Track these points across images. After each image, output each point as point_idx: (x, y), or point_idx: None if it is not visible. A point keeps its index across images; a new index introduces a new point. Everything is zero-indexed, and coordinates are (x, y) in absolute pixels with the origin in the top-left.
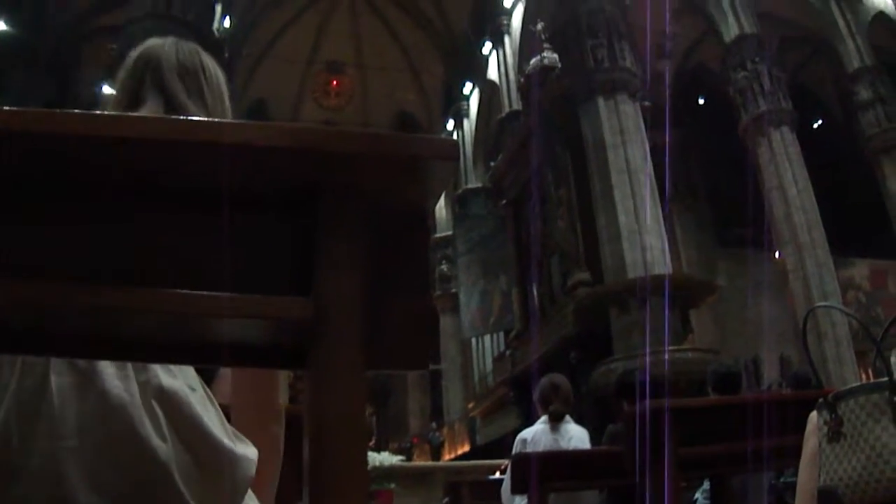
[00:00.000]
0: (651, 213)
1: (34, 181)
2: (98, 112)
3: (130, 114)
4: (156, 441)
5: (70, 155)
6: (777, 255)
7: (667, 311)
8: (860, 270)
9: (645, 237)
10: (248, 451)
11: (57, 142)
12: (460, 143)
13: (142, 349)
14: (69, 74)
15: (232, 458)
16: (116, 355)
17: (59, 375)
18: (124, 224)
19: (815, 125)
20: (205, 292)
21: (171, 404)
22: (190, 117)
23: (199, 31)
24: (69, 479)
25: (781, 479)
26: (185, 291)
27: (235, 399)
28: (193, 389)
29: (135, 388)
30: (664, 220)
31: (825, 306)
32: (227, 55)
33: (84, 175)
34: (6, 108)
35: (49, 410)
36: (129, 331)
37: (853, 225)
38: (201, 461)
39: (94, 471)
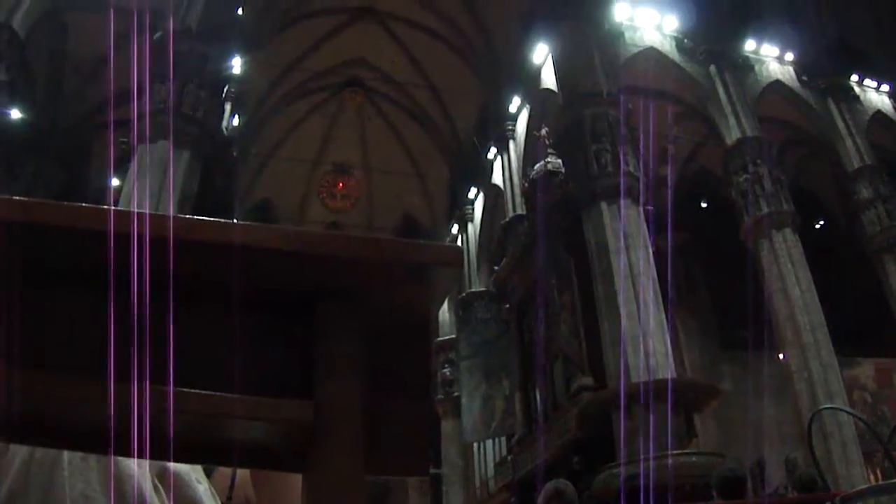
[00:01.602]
0: (654, 317)
1: (43, 273)
2: (104, 207)
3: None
4: None
5: (70, 247)
6: (781, 356)
7: (669, 416)
8: (865, 370)
9: (648, 341)
10: None
11: (63, 234)
12: (464, 246)
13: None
14: (79, 164)
15: None
16: (118, 450)
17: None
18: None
19: (817, 225)
20: (207, 392)
21: (175, 485)
22: (192, 216)
23: (209, 129)
24: None
25: None
26: (187, 390)
27: None
28: (200, 482)
29: (144, 462)
30: (667, 323)
31: (831, 408)
32: (234, 153)
33: (88, 268)
34: (15, 198)
35: (60, 481)
36: (129, 426)
37: (857, 324)
38: None
39: None
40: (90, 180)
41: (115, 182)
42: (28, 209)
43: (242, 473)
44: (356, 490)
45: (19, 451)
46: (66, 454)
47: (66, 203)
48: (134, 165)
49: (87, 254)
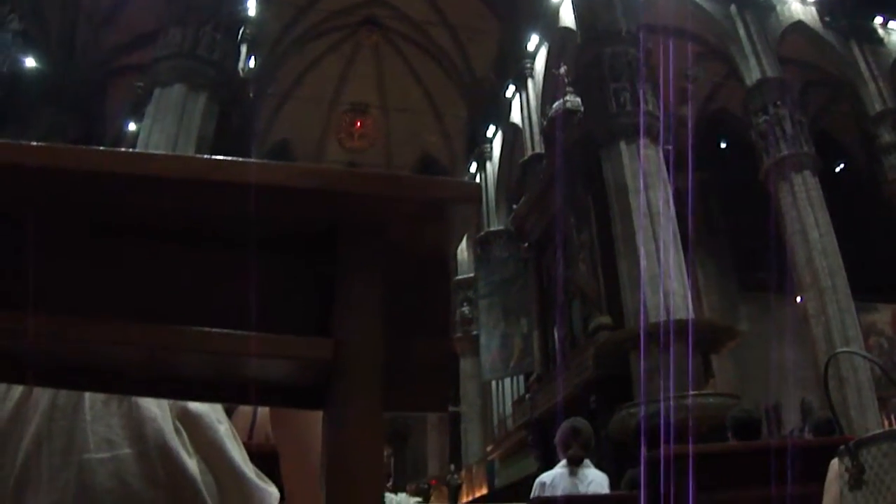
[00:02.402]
0: (673, 257)
1: (61, 219)
2: (120, 150)
3: (152, 152)
4: (184, 456)
5: (91, 192)
6: (799, 299)
7: (687, 356)
8: (882, 316)
9: (667, 281)
10: (270, 488)
11: (80, 178)
12: (483, 185)
13: (164, 385)
14: (95, 112)
15: (253, 488)
16: (138, 390)
17: (91, 391)
18: (145, 263)
19: (837, 169)
20: (228, 331)
21: (196, 426)
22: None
23: (225, 71)
24: (99, 490)
25: None
26: (207, 329)
27: (283, 462)
28: (220, 422)
29: (164, 403)
30: (686, 264)
31: (847, 352)
32: (251, 95)
33: (107, 213)
34: (33, 143)
35: (82, 425)
36: (151, 367)
37: (876, 270)
38: (222, 485)
39: (126, 481)
40: (106, 128)
41: (131, 127)
42: (52, 154)
43: (263, 412)
44: (376, 427)
45: (42, 398)
46: (87, 400)
47: (87, 147)
48: (150, 110)
49: (108, 198)
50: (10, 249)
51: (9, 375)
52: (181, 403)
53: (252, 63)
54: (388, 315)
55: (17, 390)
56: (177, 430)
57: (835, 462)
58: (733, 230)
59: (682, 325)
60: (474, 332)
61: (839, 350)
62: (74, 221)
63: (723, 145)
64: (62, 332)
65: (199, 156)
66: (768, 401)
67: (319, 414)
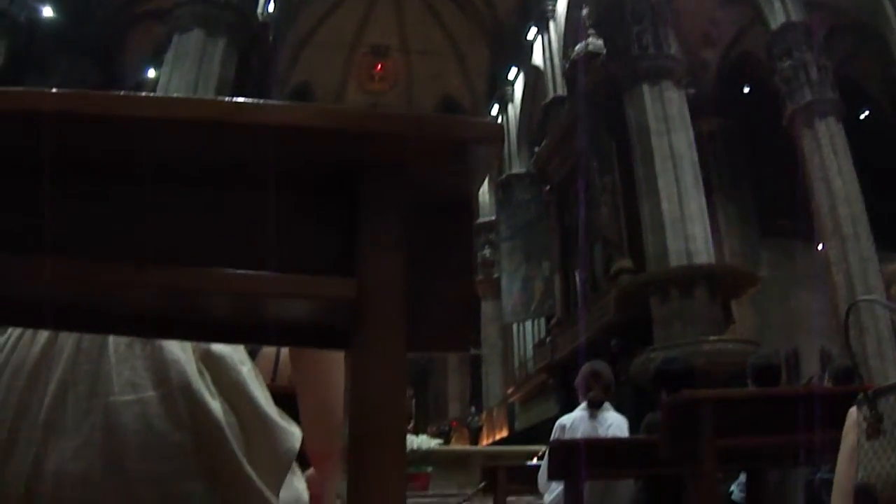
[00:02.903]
0: (695, 201)
1: (83, 163)
2: (142, 94)
3: (175, 96)
4: (208, 397)
5: (114, 136)
6: (820, 247)
7: (707, 302)
8: None
9: (688, 226)
10: (293, 428)
11: (100, 123)
12: (504, 128)
13: (188, 328)
14: (114, 59)
15: (276, 429)
16: (163, 333)
17: (115, 335)
18: (169, 205)
19: (862, 116)
20: (250, 272)
21: (219, 367)
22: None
23: (244, 15)
24: (124, 432)
25: (818, 475)
26: (231, 271)
27: (301, 401)
28: (243, 363)
29: (188, 345)
30: (707, 208)
31: (868, 300)
32: (271, 39)
33: (130, 157)
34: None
35: (107, 369)
36: (174, 310)
37: None
38: (246, 425)
39: (151, 423)
40: (125, 75)
41: (151, 74)
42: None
43: (285, 355)
44: (400, 366)
45: (67, 342)
46: (111, 344)
47: (106, 92)
48: (169, 56)
49: (130, 142)
50: (33, 196)
51: (34, 321)
52: (204, 345)
53: (271, 7)
54: (410, 255)
55: (43, 336)
56: (200, 372)
57: (853, 410)
58: (755, 176)
59: (701, 270)
60: (496, 275)
61: (860, 298)
62: (96, 168)
63: (746, 90)
64: (85, 277)
65: (221, 98)
66: (787, 348)
67: (337, 355)
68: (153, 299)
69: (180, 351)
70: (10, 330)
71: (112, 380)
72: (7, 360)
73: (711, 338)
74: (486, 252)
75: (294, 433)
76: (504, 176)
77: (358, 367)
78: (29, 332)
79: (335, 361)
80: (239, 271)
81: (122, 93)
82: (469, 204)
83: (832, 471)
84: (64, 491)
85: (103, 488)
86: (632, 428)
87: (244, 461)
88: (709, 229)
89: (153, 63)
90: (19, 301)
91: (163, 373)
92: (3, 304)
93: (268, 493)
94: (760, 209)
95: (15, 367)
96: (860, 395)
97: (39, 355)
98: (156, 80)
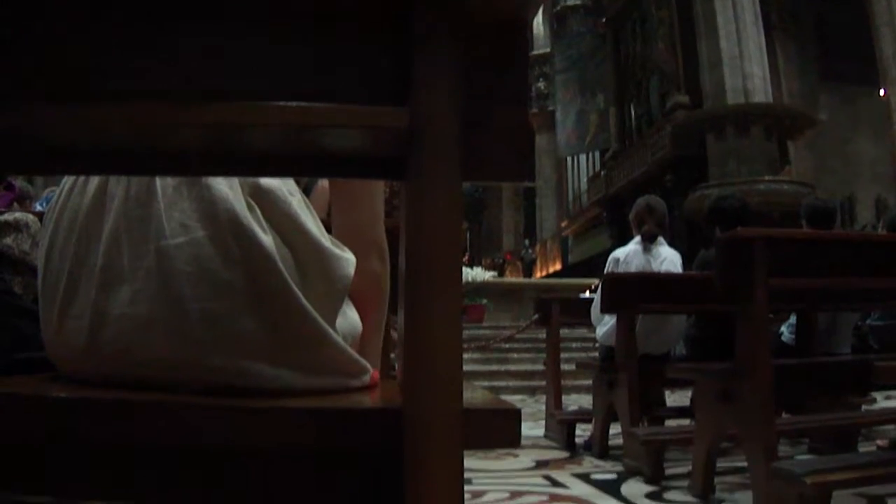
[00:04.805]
0: (754, 39)
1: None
2: None
3: None
4: (259, 232)
5: None
6: (882, 93)
7: (763, 141)
8: None
9: (746, 64)
10: (347, 255)
11: None
12: None
13: (240, 163)
14: None
15: (329, 256)
16: (217, 170)
17: (163, 178)
18: (218, 39)
19: None
20: (304, 103)
21: (269, 201)
22: None
23: None
24: (178, 274)
25: (867, 321)
26: (284, 103)
27: (336, 232)
28: (293, 195)
29: (235, 183)
30: (766, 47)
31: None
32: None
33: None
34: None
35: (157, 213)
36: (228, 146)
37: None
38: (300, 258)
39: (203, 263)
40: None
41: None
42: None
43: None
44: (455, 195)
45: (117, 189)
46: (159, 188)
47: None
48: None
49: None
50: (85, 42)
51: (86, 167)
52: (252, 180)
53: None
54: (465, 83)
55: (94, 183)
56: (250, 207)
57: None
58: (817, 16)
59: (760, 109)
60: (550, 108)
61: None
62: (146, 10)
63: None
64: (142, 118)
65: None
66: (843, 194)
67: (375, 192)
68: (204, 137)
69: (228, 189)
70: (63, 180)
71: (162, 224)
72: (63, 209)
73: (766, 178)
74: (541, 84)
75: (349, 259)
76: (559, 7)
77: (413, 197)
78: (81, 180)
79: (373, 185)
80: (293, 104)
81: None
82: (524, 30)
83: (881, 318)
84: (124, 336)
85: (161, 331)
86: (685, 264)
87: (298, 293)
88: (767, 69)
89: None
90: (73, 148)
91: (211, 212)
92: (58, 153)
93: (323, 324)
94: (822, 51)
95: (70, 216)
96: None
97: (91, 204)
98: None
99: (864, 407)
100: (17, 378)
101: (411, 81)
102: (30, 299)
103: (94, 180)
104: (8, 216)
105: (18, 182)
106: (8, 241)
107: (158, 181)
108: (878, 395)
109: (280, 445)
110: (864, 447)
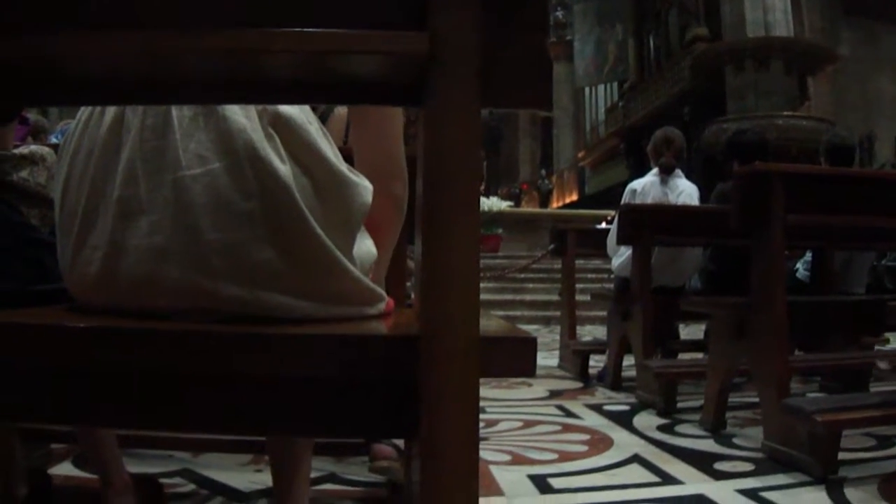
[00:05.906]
0: None
1: None
2: None
3: None
4: (276, 162)
5: None
6: None
7: (786, 75)
8: None
9: None
10: (364, 182)
11: None
12: None
13: (259, 90)
14: None
15: (348, 184)
16: (236, 97)
17: (179, 109)
18: None
19: None
20: (321, 29)
21: (288, 129)
22: None
23: None
24: (195, 205)
25: (883, 261)
26: (300, 29)
27: (358, 157)
28: (311, 122)
29: (252, 113)
30: None
31: None
32: None
33: None
34: None
35: (173, 144)
36: (246, 73)
37: None
38: (318, 185)
39: (220, 194)
40: None
41: None
42: None
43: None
44: (474, 121)
45: (133, 120)
46: (175, 119)
47: None
48: None
49: None
50: None
51: (104, 97)
52: (271, 109)
53: None
54: (483, 8)
55: (110, 114)
56: (269, 137)
57: None
58: None
59: (780, 42)
60: (568, 38)
61: None
62: None
63: None
64: (157, 47)
65: None
66: (863, 131)
67: (395, 109)
68: (224, 65)
69: (245, 119)
70: (79, 112)
71: (179, 155)
72: (80, 141)
73: (785, 113)
74: (559, 13)
75: (366, 186)
76: None
77: (431, 123)
78: (97, 112)
79: (394, 111)
80: (310, 29)
81: None
82: None
83: None
84: (141, 266)
85: (177, 262)
86: (702, 197)
87: (314, 224)
88: (789, 1)
89: None
90: (92, 78)
91: (228, 143)
92: (76, 83)
93: (339, 254)
94: None
95: (87, 147)
96: None
97: (108, 134)
98: None
99: (876, 347)
100: (34, 309)
101: (430, 5)
102: (47, 231)
103: (111, 112)
104: (23, 149)
105: (32, 115)
106: (24, 174)
107: (175, 112)
108: (891, 336)
109: (303, 371)
110: (876, 387)
